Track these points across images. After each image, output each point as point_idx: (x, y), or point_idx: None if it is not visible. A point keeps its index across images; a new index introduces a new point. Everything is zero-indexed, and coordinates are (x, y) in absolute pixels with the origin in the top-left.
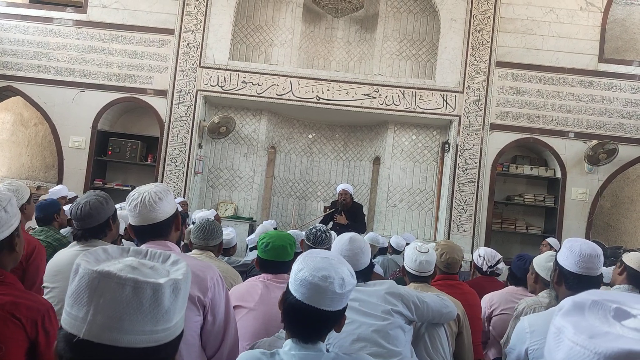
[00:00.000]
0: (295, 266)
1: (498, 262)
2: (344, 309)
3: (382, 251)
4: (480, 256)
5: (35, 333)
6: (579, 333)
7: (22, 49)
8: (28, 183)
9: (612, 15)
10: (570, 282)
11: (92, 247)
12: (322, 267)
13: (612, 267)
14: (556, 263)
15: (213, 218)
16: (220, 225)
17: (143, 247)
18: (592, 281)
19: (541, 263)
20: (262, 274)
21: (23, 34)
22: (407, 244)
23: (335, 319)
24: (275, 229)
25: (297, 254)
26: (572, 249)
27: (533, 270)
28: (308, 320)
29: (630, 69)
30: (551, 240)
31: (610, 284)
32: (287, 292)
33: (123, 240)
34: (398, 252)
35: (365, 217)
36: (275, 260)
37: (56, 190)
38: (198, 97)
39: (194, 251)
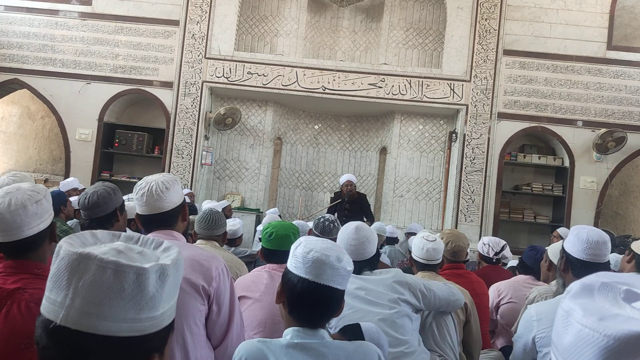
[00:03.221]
0: (300, 250)
1: (503, 248)
2: (344, 291)
3: (390, 241)
4: (485, 244)
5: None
6: (588, 315)
7: (27, 42)
8: (36, 176)
9: (621, 2)
10: (577, 269)
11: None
12: (330, 248)
13: (616, 255)
14: (563, 250)
15: (222, 209)
16: (224, 215)
17: (149, 236)
18: (599, 268)
19: (555, 252)
20: (267, 264)
21: (28, 26)
22: (414, 233)
23: (339, 300)
24: (279, 216)
25: None
26: (579, 236)
27: (547, 258)
28: (318, 299)
29: (639, 56)
30: (562, 230)
31: (619, 272)
32: (292, 277)
33: (128, 230)
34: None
35: (372, 207)
36: (279, 249)
37: (67, 183)
38: (204, 89)
39: (198, 241)
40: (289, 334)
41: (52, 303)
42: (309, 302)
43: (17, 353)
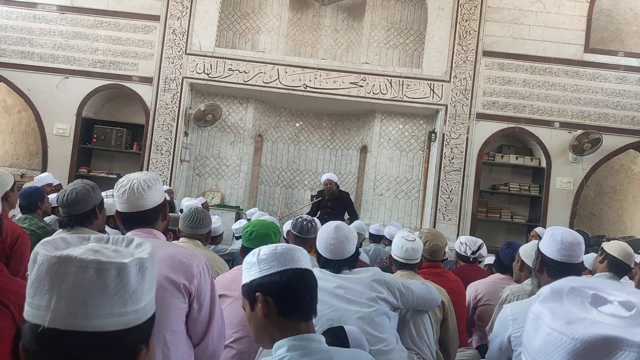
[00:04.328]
0: (264, 252)
1: (480, 247)
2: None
3: (376, 239)
4: (462, 243)
5: (23, 319)
6: (557, 319)
7: (5, 35)
8: (12, 171)
9: (598, 5)
10: (552, 269)
11: (78, 234)
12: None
13: (593, 254)
14: (538, 251)
15: (201, 206)
16: (209, 214)
17: (128, 234)
18: (573, 268)
19: (527, 251)
20: None
21: (6, 19)
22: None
23: (317, 284)
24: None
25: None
26: (554, 237)
27: (519, 258)
28: (305, 283)
29: (616, 59)
30: (539, 230)
31: (592, 272)
32: (271, 279)
33: (107, 228)
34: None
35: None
36: None
37: (42, 178)
38: (184, 85)
39: (181, 239)
40: (284, 345)
41: (36, 308)
42: (298, 288)
43: None
